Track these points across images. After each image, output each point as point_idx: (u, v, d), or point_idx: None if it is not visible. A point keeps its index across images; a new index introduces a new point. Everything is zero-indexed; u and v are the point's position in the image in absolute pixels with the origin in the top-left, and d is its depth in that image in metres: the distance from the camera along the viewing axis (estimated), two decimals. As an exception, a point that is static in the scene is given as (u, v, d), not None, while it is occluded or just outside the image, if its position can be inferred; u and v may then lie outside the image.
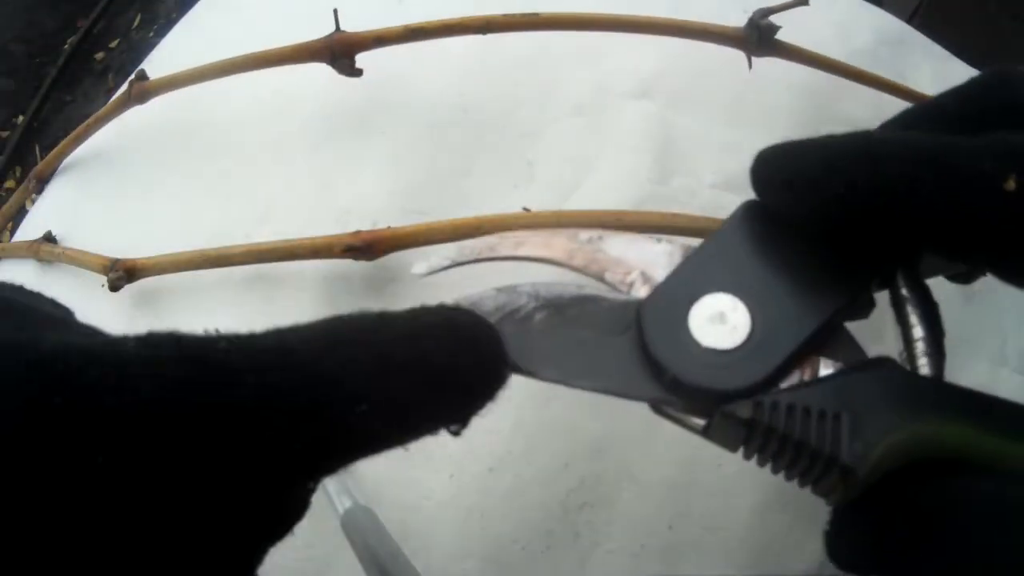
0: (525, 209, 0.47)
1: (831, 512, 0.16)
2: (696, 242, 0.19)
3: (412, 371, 0.15)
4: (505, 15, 0.48)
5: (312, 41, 0.49)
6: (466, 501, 0.45)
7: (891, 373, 0.16)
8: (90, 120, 0.58)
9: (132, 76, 0.55)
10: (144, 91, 0.54)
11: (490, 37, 0.49)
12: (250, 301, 0.49)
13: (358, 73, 0.50)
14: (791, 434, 0.15)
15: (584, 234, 0.20)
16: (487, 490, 0.45)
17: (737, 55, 0.49)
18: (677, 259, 0.19)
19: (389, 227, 0.45)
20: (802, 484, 0.16)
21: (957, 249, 0.15)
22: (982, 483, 0.14)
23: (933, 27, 0.67)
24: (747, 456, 0.17)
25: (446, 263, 0.20)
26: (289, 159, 0.54)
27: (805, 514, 0.43)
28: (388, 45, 0.49)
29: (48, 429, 0.11)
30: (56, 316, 0.17)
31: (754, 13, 0.48)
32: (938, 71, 0.60)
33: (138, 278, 0.50)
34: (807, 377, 0.16)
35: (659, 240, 0.19)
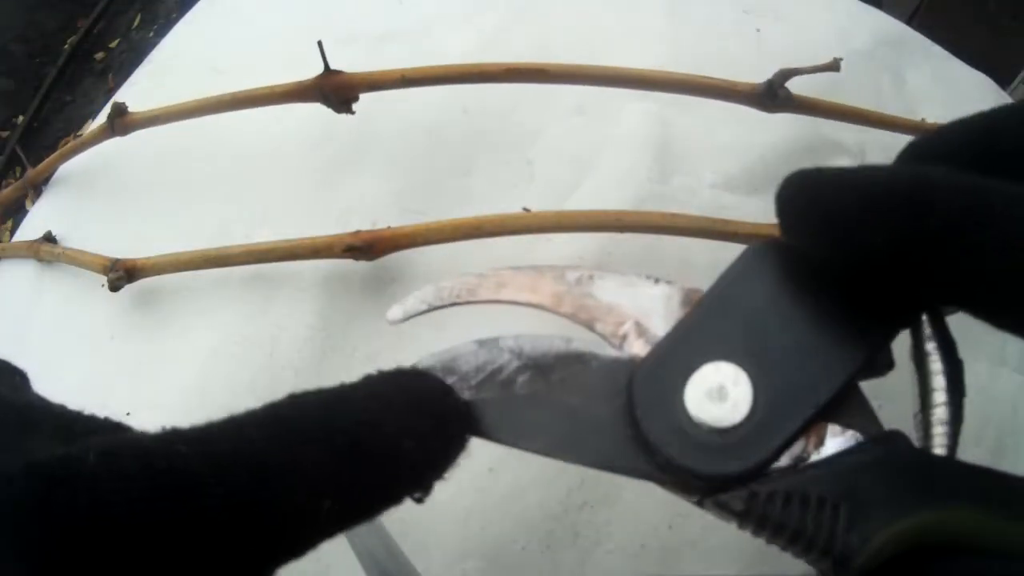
0: (525, 209, 0.47)
1: None
2: (697, 285, 0.18)
3: (375, 459, 0.15)
4: (507, 68, 0.46)
5: (303, 82, 0.48)
6: (466, 501, 0.45)
7: (899, 453, 0.15)
8: (67, 147, 0.57)
9: (108, 111, 0.53)
10: (126, 125, 0.53)
11: (490, 35, 0.49)
12: (250, 301, 0.49)
13: (351, 112, 0.49)
14: (786, 525, 0.15)
15: (572, 274, 0.18)
16: (487, 490, 0.45)
17: (736, 56, 0.49)
18: (675, 306, 0.17)
19: (389, 227, 0.45)
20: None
21: (1000, 312, 0.14)
22: (987, 564, 0.13)
23: (933, 27, 0.67)
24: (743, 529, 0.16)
25: (423, 307, 0.19)
26: (289, 159, 0.54)
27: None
28: (381, 90, 0.48)
29: (27, 557, 0.11)
30: (8, 398, 0.16)
31: (774, 76, 0.46)
32: (938, 71, 0.60)
33: (138, 278, 0.50)
34: (812, 448, 0.15)
35: (656, 282, 0.18)
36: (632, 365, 0.17)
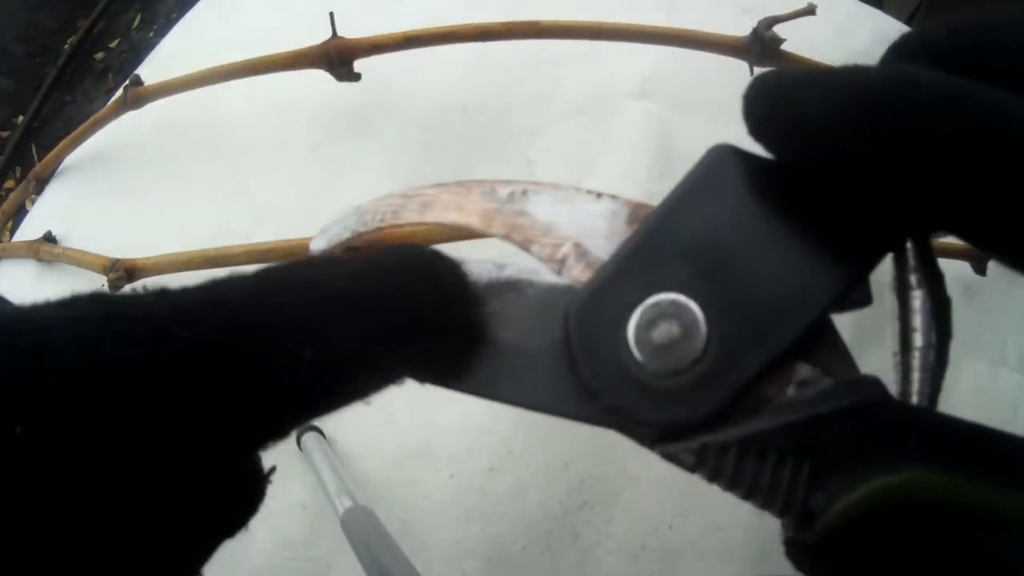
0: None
1: (788, 544, 0.14)
2: (646, 199, 0.15)
3: (358, 307, 0.13)
4: (504, 23, 0.47)
5: (309, 47, 0.49)
6: (466, 501, 0.45)
7: (873, 402, 0.13)
8: (86, 124, 0.58)
9: (128, 81, 0.54)
10: (139, 96, 0.54)
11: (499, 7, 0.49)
12: (250, 301, 0.49)
13: (356, 78, 0.50)
14: (740, 480, 0.13)
15: (503, 189, 0.16)
16: (487, 490, 0.45)
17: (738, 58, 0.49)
18: (621, 225, 0.15)
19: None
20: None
21: (1001, 239, 0.12)
22: (968, 534, 0.12)
23: (933, 27, 0.67)
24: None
25: (346, 233, 0.17)
26: (289, 159, 0.54)
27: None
28: (385, 52, 0.49)
29: None
30: None
31: (758, 24, 0.47)
32: (938, 71, 0.60)
33: (138, 278, 0.50)
34: (774, 391, 0.14)
35: (599, 197, 0.15)
36: (570, 295, 0.15)
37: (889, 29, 0.61)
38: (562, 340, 0.14)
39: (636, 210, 0.15)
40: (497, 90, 0.54)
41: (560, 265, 0.15)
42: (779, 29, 0.48)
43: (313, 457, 0.44)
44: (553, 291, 0.15)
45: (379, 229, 0.17)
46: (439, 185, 0.16)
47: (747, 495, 0.13)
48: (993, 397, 0.48)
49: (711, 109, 0.53)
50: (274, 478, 0.15)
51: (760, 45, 0.47)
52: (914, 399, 0.14)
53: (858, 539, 0.13)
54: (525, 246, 0.15)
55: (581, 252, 0.15)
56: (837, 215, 0.13)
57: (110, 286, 0.50)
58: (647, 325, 0.14)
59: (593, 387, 0.14)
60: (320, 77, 0.50)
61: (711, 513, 0.44)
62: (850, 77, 0.12)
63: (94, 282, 0.51)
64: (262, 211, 0.53)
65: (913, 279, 0.14)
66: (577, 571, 0.44)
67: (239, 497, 0.14)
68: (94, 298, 0.12)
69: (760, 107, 0.14)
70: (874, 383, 0.13)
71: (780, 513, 0.13)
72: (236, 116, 0.56)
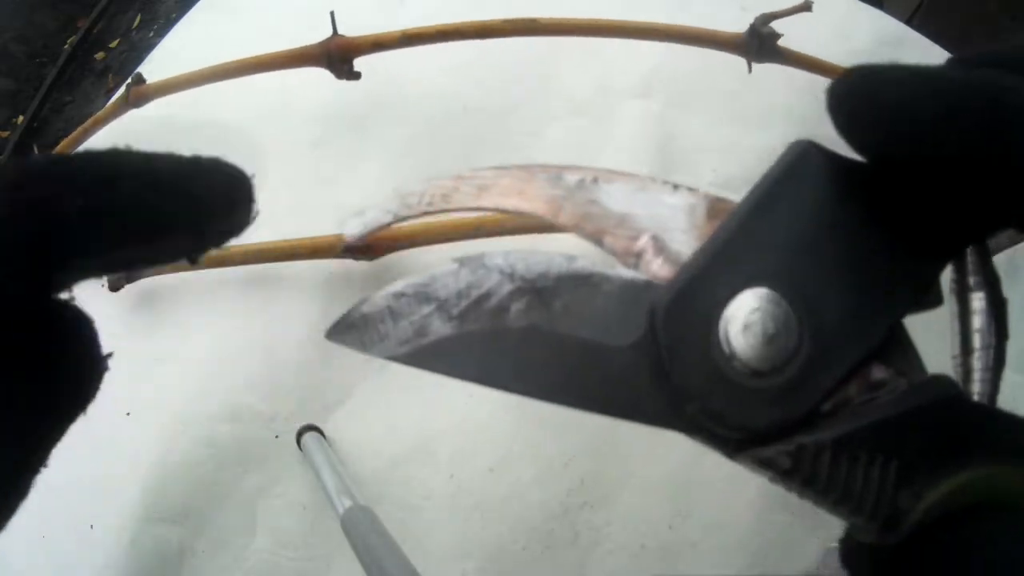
0: (525, 209, 0.47)
1: (868, 551, 0.14)
2: (725, 194, 0.14)
3: (136, 175, 0.14)
4: (503, 20, 0.47)
5: (309, 46, 0.49)
6: (466, 501, 0.45)
7: (947, 401, 0.13)
8: (88, 123, 0.58)
9: (129, 80, 0.54)
10: (141, 95, 0.54)
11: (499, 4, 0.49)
12: (250, 301, 0.49)
13: (356, 76, 0.50)
14: (835, 485, 0.13)
15: (572, 175, 0.15)
16: (487, 490, 0.45)
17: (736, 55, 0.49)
18: (701, 218, 0.14)
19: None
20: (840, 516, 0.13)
21: None
22: None
23: (932, 28, 0.67)
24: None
25: (387, 218, 0.15)
26: (289, 159, 0.54)
27: (805, 514, 0.43)
28: (385, 50, 0.49)
29: None
30: None
31: (755, 20, 0.47)
32: (938, 71, 0.60)
33: (138, 278, 0.50)
34: (856, 392, 0.13)
35: (676, 188, 0.14)
36: (651, 290, 0.14)
37: (889, 29, 0.61)
38: (645, 340, 0.14)
39: (715, 204, 0.14)
40: (497, 88, 0.54)
41: (637, 259, 0.14)
42: (779, 29, 0.48)
43: (313, 457, 0.44)
44: (631, 287, 0.14)
45: (425, 213, 0.15)
46: (498, 168, 0.15)
47: (839, 500, 0.13)
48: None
49: (711, 107, 0.53)
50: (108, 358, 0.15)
51: (758, 41, 0.47)
52: (975, 398, 0.14)
53: (938, 536, 0.13)
54: (597, 238, 0.14)
55: (660, 246, 0.14)
56: (917, 215, 0.13)
57: (110, 286, 0.50)
58: (740, 323, 0.13)
59: (684, 390, 0.13)
60: (320, 75, 0.50)
61: (711, 513, 0.44)
62: (951, 77, 0.12)
63: (95, 282, 0.50)
64: (262, 209, 0.53)
65: (972, 281, 0.14)
66: (577, 571, 0.44)
67: (60, 364, 0.14)
68: None
69: (847, 105, 0.13)
70: (949, 383, 0.13)
71: (869, 517, 0.13)
72: (236, 114, 0.56)
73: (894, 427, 0.13)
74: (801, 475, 0.13)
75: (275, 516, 0.45)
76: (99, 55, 1.95)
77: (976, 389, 0.14)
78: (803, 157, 0.14)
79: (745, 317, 0.13)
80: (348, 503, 0.40)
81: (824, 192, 0.14)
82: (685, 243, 0.14)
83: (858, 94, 0.13)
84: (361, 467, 0.46)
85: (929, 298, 0.14)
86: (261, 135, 0.55)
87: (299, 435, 0.46)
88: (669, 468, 0.45)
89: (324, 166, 0.54)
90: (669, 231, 0.14)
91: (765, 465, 0.13)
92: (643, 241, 0.14)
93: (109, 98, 0.57)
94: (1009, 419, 0.13)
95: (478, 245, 0.43)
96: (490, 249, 0.14)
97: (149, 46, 0.68)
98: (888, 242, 0.13)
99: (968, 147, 0.12)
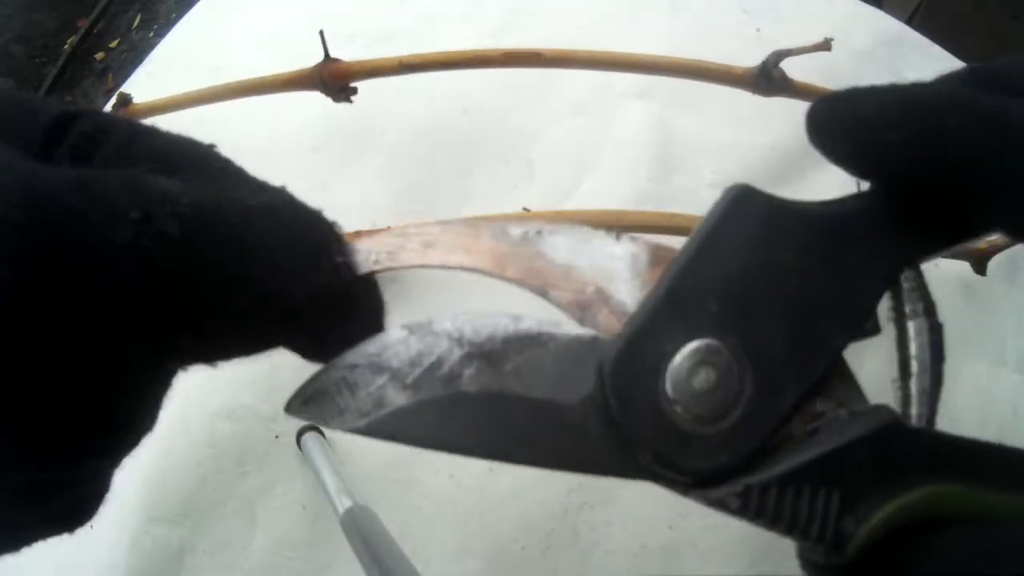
0: (525, 209, 0.47)
1: (816, 568, 0.15)
2: (662, 241, 0.15)
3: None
4: (503, 52, 0.46)
5: (303, 71, 0.48)
6: (466, 501, 0.45)
7: (886, 429, 0.14)
8: None
9: (115, 99, 0.54)
10: (129, 116, 0.53)
11: (489, 35, 0.49)
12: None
13: (350, 99, 0.48)
14: (781, 517, 0.14)
15: (515, 229, 0.15)
16: (487, 490, 0.45)
17: (736, 56, 0.49)
18: (643, 267, 0.15)
19: (389, 227, 0.45)
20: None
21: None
22: (973, 532, 0.13)
23: (933, 27, 0.67)
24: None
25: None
26: (288, 159, 0.54)
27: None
28: (379, 77, 0.48)
29: None
30: None
31: (767, 58, 0.46)
32: (937, 71, 0.60)
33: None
34: (798, 426, 0.14)
35: (618, 238, 0.15)
36: (597, 345, 0.14)
37: (889, 29, 0.61)
38: (595, 395, 0.14)
39: (657, 252, 0.15)
40: (497, 90, 0.55)
41: (582, 311, 0.15)
42: (779, 30, 0.48)
43: (313, 457, 0.44)
44: (577, 344, 0.14)
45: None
46: (442, 223, 0.15)
47: (787, 530, 0.14)
48: (993, 397, 0.48)
49: (711, 107, 0.53)
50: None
51: (766, 81, 0.46)
52: (913, 420, 0.14)
53: (884, 555, 0.13)
54: (542, 291, 0.15)
55: (604, 297, 0.14)
56: (847, 252, 0.14)
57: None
58: (686, 373, 0.14)
59: (633, 441, 0.14)
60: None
61: (711, 513, 0.44)
62: (905, 90, 0.14)
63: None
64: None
65: (908, 308, 0.15)
66: (577, 571, 0.44)
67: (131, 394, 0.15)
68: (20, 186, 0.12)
69: (823, 121, 0.15)
70: (886, 411, 0.14)
71: (815, 542, 0.14)
72: (234, 115, 0.56)
73: (835, 459, 0.14)
74: (750, 512, 0.14)
75: (275, 516, 0.45)
76: (99, 55, 1.95)
77: (914, 412, 0.14)
78: (738, 202, 0.14)
79: (688, 369, 0.14)
80: (348, 503, 0.40)
81: (760, 234, 0.14)
82: (629, 293, 0.14)
83: (832, 111, 0.15)
84: (361, 467, 0.46)
85: (868, 327, 0.15)
86: (260, 135, 0.55)
87: (299, 435, 0.46)
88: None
89: (324, 167, 0.54)
90: (613, 281, 0.15)
91: (715, 504, 0.14)
92: (588, 292, 0.15)
93: (109, 98, 0.57)
94: (946, 440, 0.14)
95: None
96: (436, 315, 0.15)
97: (149, 46, 0.68)
98: (824, 279, 0.14)
99: (925, 157, 0.13)
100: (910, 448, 0.14)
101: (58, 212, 0.12)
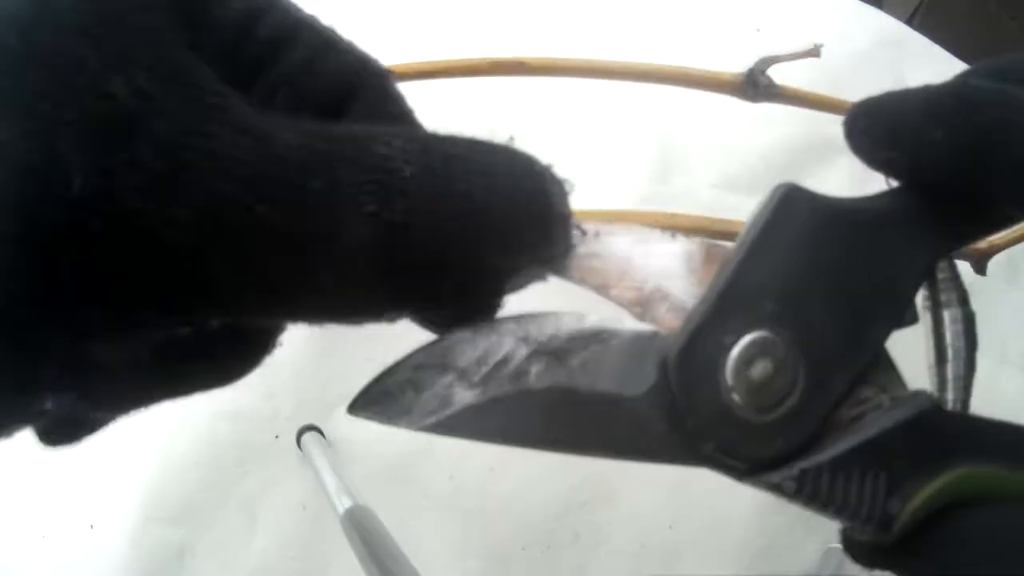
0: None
1: (866, 548, 0.16)
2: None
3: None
4: (490, 60, 0.45)
5: None
6: (466, 501, 0.45)
7: (927, 414, 0.15)
8: None
9: None
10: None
11: (488, 36, 0.49)
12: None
13: None
14: (833, 499, 0.15)
15: (574, 232, 0.16)
16: (487, 490, 0.45)
17: (737, 56, 0.49)
18: (698, 265, 0.15)
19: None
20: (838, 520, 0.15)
21: None
22: (1007, 510, 0.15)
23: (933, 28, 0.67)
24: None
25: None
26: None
27: (805, 514, 0.43)
28: None
29: None
30: None
31: (754, 64, 0.45)
32: (938, 72, 0.60)
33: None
34: (846, 412, 0.15)
35: (673, 237, 0.16)
36: (658, 340, 0.15)
37: (889, 29, 0.61)
38: (658, 388, 0.15)
39: (710, 250, 0.16)
40: (495, 88, 0.54)
41: (642, 308, 0.15)
42: (778, 30, 0.48)
43: (313, 457, 0.44)
44: (639, 339, 0.15)
45: None
46: None
47: (837, 512, 0.15)
48: (997, 396, 0.48)
49: (711, 107, 0.53)
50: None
51: (753, 88, 0.46)
52: (949, 405, 0.16)
53: (926, 532, 0.15)
54: (603, 291, 0.15)
55: (663, 295, 0.15)
56: (888, 246, 0.15)
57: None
58: (745, 365, 0.14)
59: (697, 431, 0.14)
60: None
61: (711, 513, 0.45)
62: (926, 89, 0.15)
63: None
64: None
65: (943, 298, 0.16)
66: (577, 571, 0.44)
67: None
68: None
69: (857, 124, 0.16)
70: (925, 396, 0.15)
71: (864, 523, 0.15)
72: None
73: (880, 443, 0.15)
74: (804, 495, 0.15)
75: (275, 516, 0.45)
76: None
77: (950, 396, 0.16)
78: (786, 200, 0.15)
79: (746, 361, 0.14)
80: (348, 503, 0.40)
81: (808, 231, 0.15)
82: (685, 290, 0.15)
83: (863, 114, 0.15)
84: (361, 467, 0.46)
85: (907, 317, 0.16)
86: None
87: (299, 435, 0.46)
88: (669, 468, 0.45)
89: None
90: (670, 278, 0.15)
91: (772, 489, 0.15)
92: (647, 289, 0.15)
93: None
94: (981, 423, 0.15)
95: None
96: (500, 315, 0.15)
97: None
98: (868, 271, 0.15)
99: (952, 144, 0.14)
100: (948, 431, 0.15)
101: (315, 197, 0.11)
